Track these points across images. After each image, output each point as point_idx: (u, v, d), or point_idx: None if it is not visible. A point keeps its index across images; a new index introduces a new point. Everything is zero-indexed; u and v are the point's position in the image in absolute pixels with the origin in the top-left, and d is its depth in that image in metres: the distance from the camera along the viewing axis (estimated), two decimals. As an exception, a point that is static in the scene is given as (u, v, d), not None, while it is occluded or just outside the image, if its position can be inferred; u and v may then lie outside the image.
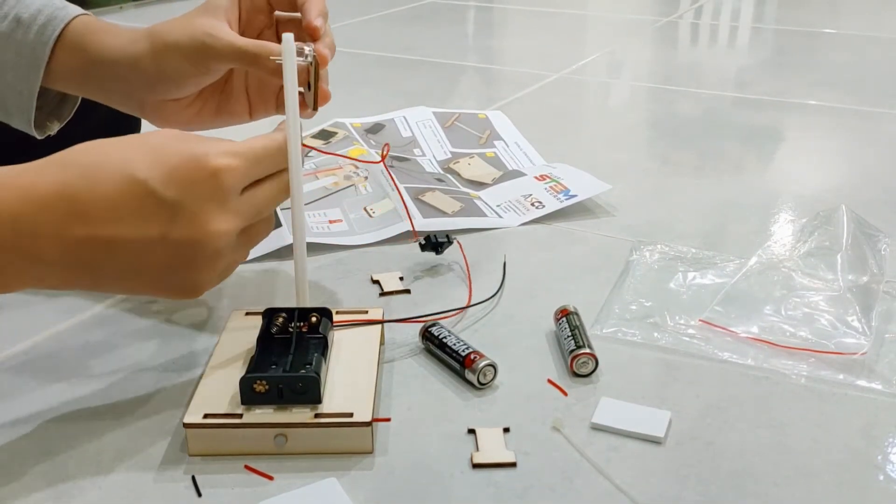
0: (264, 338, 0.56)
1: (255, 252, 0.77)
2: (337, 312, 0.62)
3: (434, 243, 0.75)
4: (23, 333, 0.66)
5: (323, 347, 0.56)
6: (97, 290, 0.53)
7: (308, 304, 0.58)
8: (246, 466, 0.52)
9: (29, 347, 0.64)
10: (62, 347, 0.64)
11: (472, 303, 0.69)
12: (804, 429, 0.55)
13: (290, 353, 0.54)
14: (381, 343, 0.62)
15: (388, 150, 0.85)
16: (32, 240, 0.47)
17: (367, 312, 0.63)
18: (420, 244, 0.75)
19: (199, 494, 0.50)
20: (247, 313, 0.63)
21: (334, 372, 0.56)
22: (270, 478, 0.51)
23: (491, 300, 0.70)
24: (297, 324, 0.57)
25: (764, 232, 0.83)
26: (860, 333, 0.63)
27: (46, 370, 0.61)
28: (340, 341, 0.60)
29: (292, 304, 0.58)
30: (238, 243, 0.53)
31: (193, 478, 0.51)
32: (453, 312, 0.67)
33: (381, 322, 0.62)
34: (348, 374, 0.56)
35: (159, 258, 0.49)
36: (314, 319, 0.57)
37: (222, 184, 0.49)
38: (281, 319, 0.57)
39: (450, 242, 0.75)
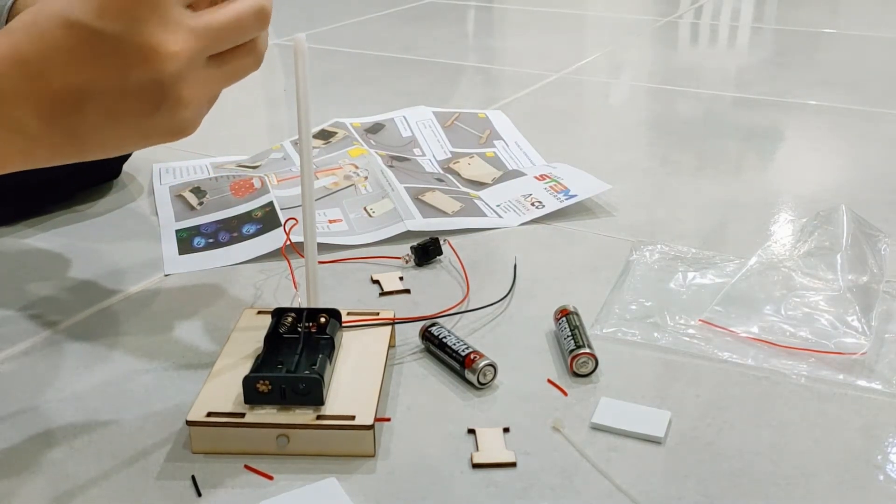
0: (272, 337, 0.56)
1: (255, 252, 0.77)
2: (348, 313, 0.62)
3: (422, 251, 0.76)
4: (22, 334, 0.66)
5: (330, 348, 0.56)
6: (86, 155, 0.49)
7: (318, 304, 0.58)
8: (246, 466, 0.52)
9: (28, 347, 0.64)
10: (63, 346, 0.64)
11: (470, 302, 0.69)
12: (804, 429, 0.55)
13: (297, 354, 0.54)
14: (392, 346, 0.62)
15: None
16: (2, 105, 0.45)
17: (378, 314, 0.63)
18: (414, 263, 0.75)
19: (199, 494, 0.50)
20: (258, 312, 0.63)
21: (340, 373, 0.56)
22: (270, 478, 0.51)
23: (502, 301, 0.70)
24: (306, 324, 0.57)
25: (764, 232, 0.83)
26: (860, 333, 0.63)
27: (47, 368, 0.61)
28: (350, 342, 0.60)
29: (290, 303, 0.59)
30: (208, 66, 0.48)
31: (193, 478, 0.51)
32: (462, 312, 0.67)
33: (392, 322, 0.62)
34: (354, 375, 0.56)
35: (129, 104, 0.46)
36: (323, 320, 0.57)
37: (157, 0, 0.45)
38: (290, 319, 0.57)
39: (435, 241, 0.76)
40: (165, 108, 0.47)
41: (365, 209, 0.83)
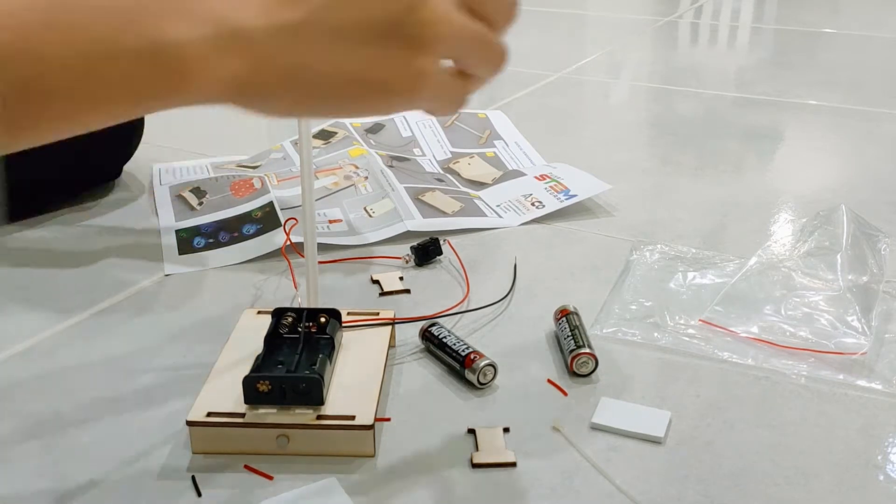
0: (272, 337, 0.56)
1: (255, 252, 0.77)
2: (348, 313, 0.62)
3: (422, 251, 0.76)
4: (22, 334, 0.66)
5: (330, 348, 0.56)
6: (311, 92, 0.38)
7: (318, 304, 0.58)
8: (246, 466, 0.52)
9: (28, 348, 0.64)
10: (63, 346, 0.64)
11: (470, 302, 0.69)
12: (804, 429, 0.55)
13: (297, 354, 0.54)
14: (392, 346, 0.62)
15: None
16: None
17: (378, 314, 0.63)
18: (414, 263, 0.75)
19: (199, 494, 0.50)
20: (258, 312, 0.63)
21: (340, 373, 0.56)
22: (270, 477, 0.51)
23: (502, 301, 0.70)
24: (306, 324, 0.57)
25: (764, 232, 0.83)
26: (860, 333, 0.63)
27: (46, 368, 0.61)
28: (350, 342, 0.60)
29: (290, 303, 0.59)
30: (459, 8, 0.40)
31: (193, 478, 0.51)
32: (462, 312, 0.67)
33: (392, 322, 0.62)
34: (354, 375, 0.56)
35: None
36: (323, 320, 0.57)
37: None
38: (290, 319, 0.57)
39: (435, 241, 0.76)
40: (407, 18, 0.38)
41: (365, 209, 0.83)
